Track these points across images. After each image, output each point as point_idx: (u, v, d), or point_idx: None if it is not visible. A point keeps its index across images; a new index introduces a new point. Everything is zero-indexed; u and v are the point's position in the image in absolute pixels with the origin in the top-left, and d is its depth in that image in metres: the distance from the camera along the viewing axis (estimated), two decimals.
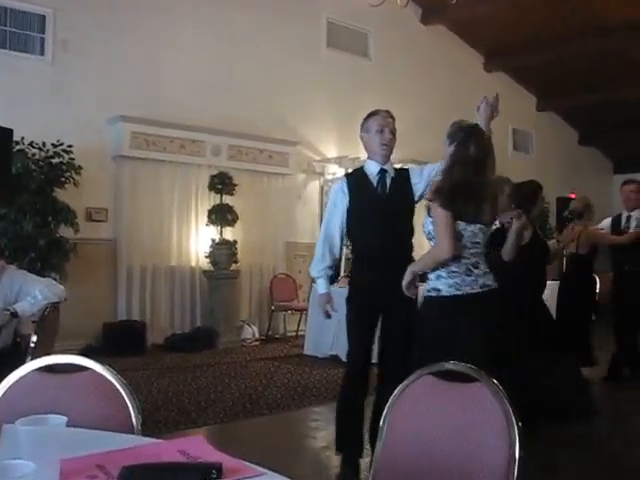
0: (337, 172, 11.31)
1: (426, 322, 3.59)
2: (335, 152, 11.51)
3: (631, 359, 7.17)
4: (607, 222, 7.56)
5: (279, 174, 10.82)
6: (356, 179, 4.24)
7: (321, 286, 4.32)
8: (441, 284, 3.49)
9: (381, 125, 4.14)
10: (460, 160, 3.52)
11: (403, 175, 4.22)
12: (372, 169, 4.18)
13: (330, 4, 11.32)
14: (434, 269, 3.52)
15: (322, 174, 11.50)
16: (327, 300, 4.26)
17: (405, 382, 2.05)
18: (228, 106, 10.16)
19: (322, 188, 11.52)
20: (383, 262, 3.97)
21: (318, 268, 4.31)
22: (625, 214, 7.37)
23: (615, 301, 7.13)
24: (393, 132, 4.19)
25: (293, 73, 11.07)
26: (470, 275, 3.47)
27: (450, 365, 2.04)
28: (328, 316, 4.32)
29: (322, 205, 11.45)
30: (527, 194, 5.79)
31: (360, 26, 12.19)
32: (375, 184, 4.16)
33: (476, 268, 3.49)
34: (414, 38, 12.97)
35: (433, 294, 3.53)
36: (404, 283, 3.57)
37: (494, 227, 4.33)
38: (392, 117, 4.22)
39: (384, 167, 4.17)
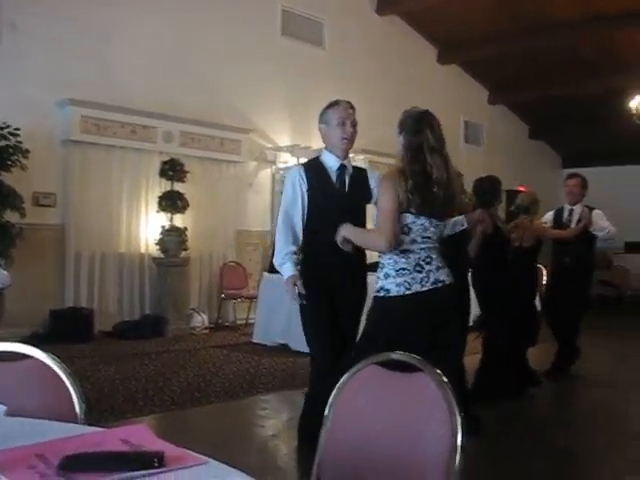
0: (289, 161, 11.32)
1: (373, 323, 3.49)
2: (288, 141, 11.49)
3: (572, 357, 7.30)
4: (549, 215, 7.70)
5: (231, 162, 10.76)
6: (314, 170, 4.13)
7: (287, 270, 4.01)
8: (390, 284, 3.36)
9: (342, 117, 4.03)
10: (414, 148, 3.39)
11: (362, 175, 4.17)
12: (331, 163, 4.10)
13: None
14: (381, 267, 3.43)
15: (274, 162, 11.48)
16: (294, 281, 3.96)
17: (351, 371, 2.07)
18: (181, 92, 10.06)
19: (274, 176, 11.51)
20: (337, 258, 3.79)
21: (282, 254, 4.04)
22: (567, 208, 7.52)
23: (551, 293, 7.27)
24: (354, 125, 4.09)
25: (247, 61, 11.00)
26: (420, 272, 3.35)
27: (395, 355, 2.06)
28: (301, 298, 4.00)
29: (274, 193, 11.45)
30: (487, 190, 5.86)
31: (315, 15, 12.17)
32: (335, 179, 4.08)
33: (428, 264, 3.37)
34: (369, 28, 13.00)
35: (381, 294, 3.40)
36: (338, 240, 3.48)
37: (462, 227, 4.30)
38: (353, 108, 4.12)
39: (344, 163, 4.11)
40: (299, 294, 3.99)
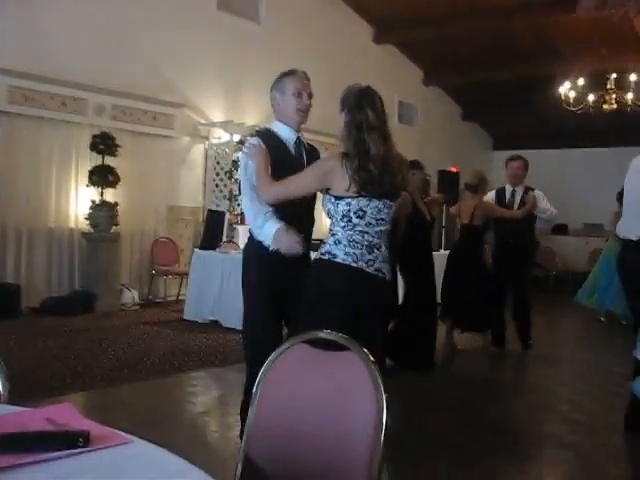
0: (222, 136, 11.23)
1: (314, 286, 3.37)
2: (221, 117, 11.38)
3: (497, 332, 7.57)
4: (491, 195, 7.92)
5: (163, 136, 10.61)
6: (273, 141, 3.75)
7: (272, 225, 3.51)
8: (338, 250, 3.28)
9: (298, 88, 3.82)
10: (355, 125, 3.32)
11: (314, 152, 3.94)
12: (287, 135, 3.81)
13: None
14: (333, 234, 3.33)
15: (207, 138, 11.37)
16: (286, 229, 3.47)
17: (278, 350, 2.09)
18: (113, 65, 9.84)
19: (207, 152, 11.40)
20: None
21: (260, 216, 3.56)
22: (510, 189, 7.74)
23: (496, 273, 7.44)
24: (310, 97, 3.89)
25: (182, 34, 10.82)
26: (370, 253, 3.30)
27: (322, 334, 2.09)
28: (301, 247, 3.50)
29: (206, 169, 11.36)
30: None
31: None
32: (293, 152, 3.80)
33: (378, 250, 3.33)
34: (304, 5, 12.93)
35: (326, 257, 3.32)
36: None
37: None
38: (309, 79, 3.95)
39: (299, 136, 3.87)
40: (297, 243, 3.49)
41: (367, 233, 3.30)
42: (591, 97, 11.67)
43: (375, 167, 3.26)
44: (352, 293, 3.28)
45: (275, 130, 3.83)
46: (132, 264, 10.32)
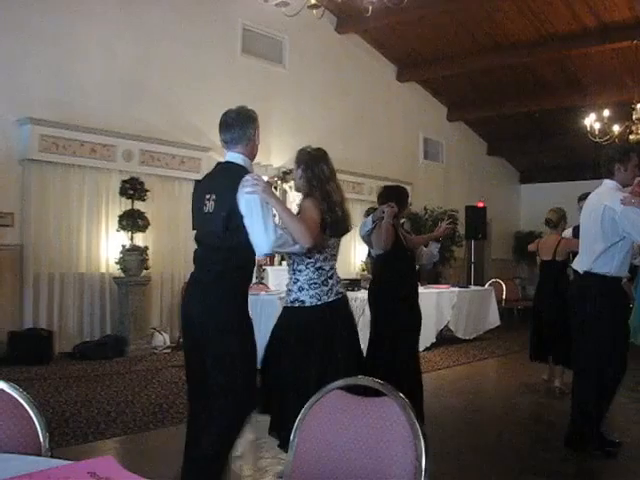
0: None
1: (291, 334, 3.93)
2: None
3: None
4: (568, 232, 7.80)
5: (191, 180, 10.69)
6: None
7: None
8: (304, 296, 3.85)
9: None
10: (317, 178, 3.91)
11: None
12: None
13: (246, 10, 11.32)
14: (295, 281, 3.87)
15: None
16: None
17: (314, 397, 2.09)
18: (140, 110, 10.04)
19: None
20: None
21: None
22: None
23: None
24: None
25: (207, 78, 11.02)
26: (326, 285, 3.88)
27: (359, 380, 2.09)
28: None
29: None
30: (395, 197, 5.75)
31: (275, 33, 12.24)
32: None
33: (331, 278, 3.92)
34: (329, 46, 13.11)
35: (297, 305, 3.90)
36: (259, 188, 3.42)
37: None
38: None
39: None
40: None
41: (323, 269, 3.91)
42: (616, 128, 11.65)
43: (339, 209, 3.92)
44: (328, 326, 3.91)
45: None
46: (163, 307, 10.38)
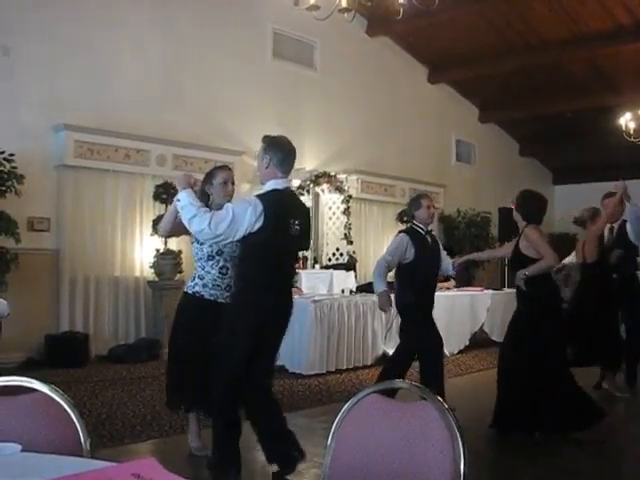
0: None
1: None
2: None
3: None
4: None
5: None
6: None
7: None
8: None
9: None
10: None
11: None
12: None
13: (276, 15, 11.36)
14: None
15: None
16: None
17: (351, 400, 2.10)
18: (173, 115, 10.12)
19: None
20: None
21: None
22: (607, 226, 7.42)
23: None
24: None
25: (239, 83, 11.08)
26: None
27: (396, 383, 2.09)
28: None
29: None
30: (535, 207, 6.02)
31: (306, 37, 12.27)
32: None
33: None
34: (359, 49, 13.11)
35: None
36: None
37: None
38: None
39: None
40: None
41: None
42: None
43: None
44: None
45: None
46: None
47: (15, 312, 7.59)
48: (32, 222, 8.85)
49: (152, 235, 9.62)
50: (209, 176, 4.65)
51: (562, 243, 18.11)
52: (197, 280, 4.62)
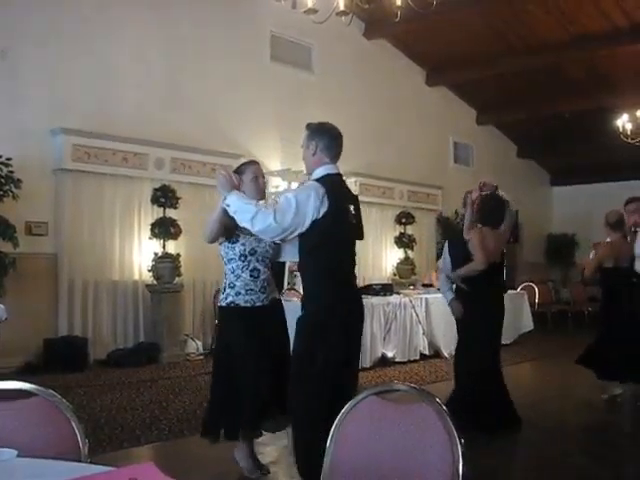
0: (280, 185, 11.33)
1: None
2: (279, 165, 11.54)
3: None
4: None
5: None
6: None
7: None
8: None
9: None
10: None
11: None
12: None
13: (274, 18, 11.36)
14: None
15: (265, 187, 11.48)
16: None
17: (351, 402, 2.09)
18: (171, 119, 10.12)
19: (265, 201, 11.51)
20: None
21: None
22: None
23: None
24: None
25: (237, 86, 11.08)
26: None
27: (395, 385, 2.09)
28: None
29: None
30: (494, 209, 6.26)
31: (304, 40, 12.27)
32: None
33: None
34: (357, 52, 13.13)
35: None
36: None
37: None
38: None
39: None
40: None
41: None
42: None
43: None
44: None
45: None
46: (195, 314, 10.43)
47: (13, 316, 7.59)
48: (30, 226, 8.84)
49: (150, 239, 9.62)
50: (237, 173, 4.29)
51: (561, 243, 18.22)
52: (228, 290, 4.34)
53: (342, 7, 6.98)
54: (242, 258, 4.30)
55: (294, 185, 10.99)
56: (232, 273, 4.34)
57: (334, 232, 3.64)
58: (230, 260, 4.34)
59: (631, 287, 6.60)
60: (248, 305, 4.28)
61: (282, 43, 12.05)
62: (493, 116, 16.42)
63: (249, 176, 4.32)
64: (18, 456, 1.52)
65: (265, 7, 10.88)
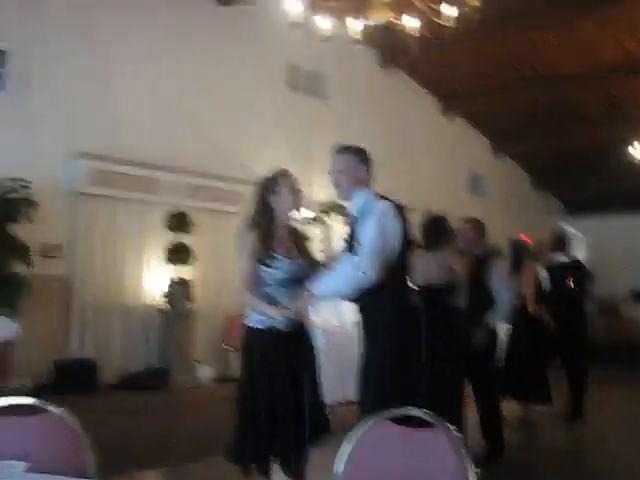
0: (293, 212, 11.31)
1: None
2: None
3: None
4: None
5: (236, 213, 10.77)
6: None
7: None
8: None
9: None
10: None
11: None
12: None
13: (290, 47, 11.44)
14: None
15: None
16: None
17: (363, 427, 2.07)
18: (186, 144, 10.17)
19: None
20: None
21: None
22: None
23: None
24: None
25: (251, 113, 11.14)
26: None
27: (408, 410, 2.06)
28: None
29: None
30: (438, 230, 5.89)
31: (319, 69, 12.35)
32: None
33: None
34: (372, 81, 13.19)
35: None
36: None
37: None
38: None
39: None
40: None
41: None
42: None
43: None
44: None
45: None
46: (207, 340, 10.38)
47: (25, 337, 7.62)
48: (45, 248, 8.87)
49: (163, 263, 9.63)
50: (270, 185, 3.94)
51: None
52: None
53: (357, 36, 6.99)
54: (283, 284, 3.94)
55: (310, 214, 10.98)
56: (267, 297, 3.95)
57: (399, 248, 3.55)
58: (268, 286, 3.97)
59: None
60: (286, 330, 3.86)
61: (298, 71, 12.12)
62: (508, 147, 16.41)
63: (286, 188, 3.96)
64: (27, 470, 1.51)
65: (281, 36, 10.96)
